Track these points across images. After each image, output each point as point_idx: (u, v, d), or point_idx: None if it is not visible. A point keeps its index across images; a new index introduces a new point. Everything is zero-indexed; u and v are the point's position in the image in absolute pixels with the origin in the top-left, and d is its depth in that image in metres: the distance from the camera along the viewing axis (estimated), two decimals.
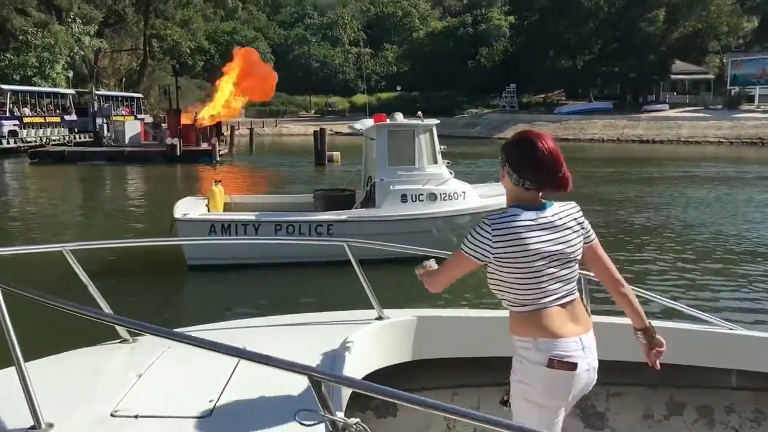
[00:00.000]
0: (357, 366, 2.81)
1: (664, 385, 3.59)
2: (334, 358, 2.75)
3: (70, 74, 52.51)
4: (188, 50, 69.62)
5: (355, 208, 12.04)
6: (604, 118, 58.76)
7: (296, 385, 2.29)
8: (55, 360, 2.84)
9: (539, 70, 69.27)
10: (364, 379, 2.84)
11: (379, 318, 3.44)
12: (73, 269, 3.11)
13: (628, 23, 62.84)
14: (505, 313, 3.55)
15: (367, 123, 12.70)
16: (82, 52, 54.96)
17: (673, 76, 66.37)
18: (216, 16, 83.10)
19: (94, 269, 10.73)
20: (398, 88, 78.30)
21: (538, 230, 2.46)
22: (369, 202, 12.15)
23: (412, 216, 11.63)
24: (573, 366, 2.42)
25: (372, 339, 3.12)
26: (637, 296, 2.80)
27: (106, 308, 3.06)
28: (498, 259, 2.45)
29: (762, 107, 55.91)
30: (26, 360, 2.06)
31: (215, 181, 13.05)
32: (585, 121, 58.62)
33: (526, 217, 2.47)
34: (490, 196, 11.94)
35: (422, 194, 11.87)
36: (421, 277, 2.76)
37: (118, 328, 3.02)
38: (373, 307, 3.48)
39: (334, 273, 9.94)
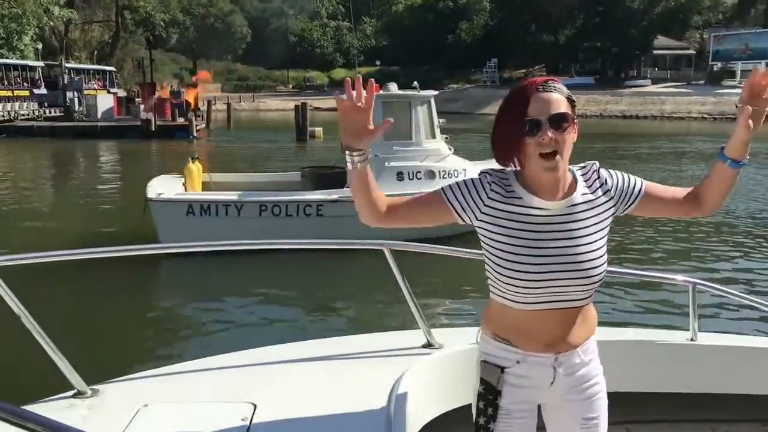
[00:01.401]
0: (409, 424, 2.05)
1: None
2: (378, 423, 1.96)
3: (39, 46, 50.57)
4: (162, 22, 67.67)
5: (347, 187, 11.16)
6: (586, 94, 58.23)
7: None
8: None
9: (520, 45, 68.66)
10: None
11: (428, 345, 2.59)
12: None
13: None
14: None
15: None
16: (52, 23, 53.01)
17: (654, 52, 66.06)
18: None
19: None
20: (377, 63, 76.98)
21: None
22: None
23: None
24: None
25: (422, 379, 2.28)
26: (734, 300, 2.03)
27: (51, 348, 2.12)
28: None
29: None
30: None
31: (192, 158, 11.88)
32: None
33: None
34: None
35: (420, 171, 11.05)
36: None
37: (69, 376, 2.11)
38: (417, 327, 2.63)
39: (333, 257, 9.12)
